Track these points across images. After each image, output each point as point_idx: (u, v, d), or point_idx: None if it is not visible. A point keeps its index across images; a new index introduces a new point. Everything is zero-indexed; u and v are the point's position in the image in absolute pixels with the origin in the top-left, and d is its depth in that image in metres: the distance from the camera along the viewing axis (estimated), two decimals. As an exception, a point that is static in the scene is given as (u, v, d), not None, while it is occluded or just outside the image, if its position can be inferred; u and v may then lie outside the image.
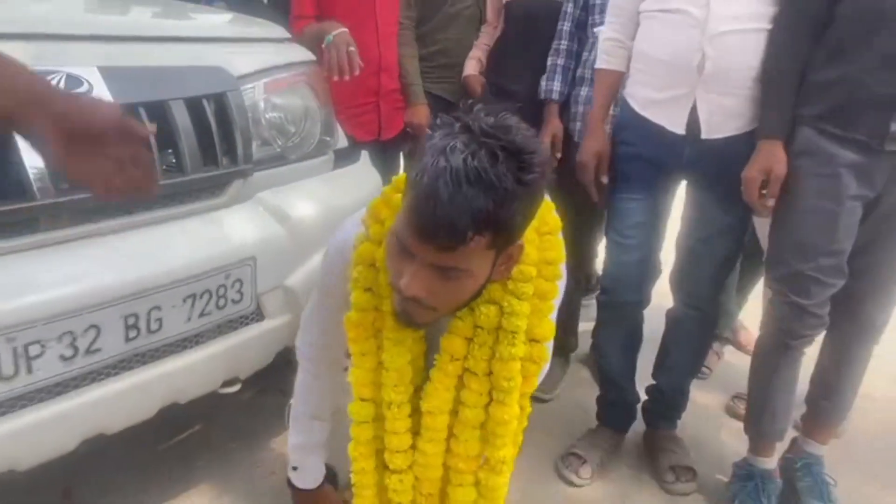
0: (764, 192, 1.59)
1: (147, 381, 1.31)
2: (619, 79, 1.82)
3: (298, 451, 1.44)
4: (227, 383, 1.51)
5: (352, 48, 1.93)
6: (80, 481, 1.64)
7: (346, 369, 1.21)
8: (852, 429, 2.17)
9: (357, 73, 1.95)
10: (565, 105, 2.21)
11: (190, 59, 1.49)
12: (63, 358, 1.16)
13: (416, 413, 1.12)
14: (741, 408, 2.08)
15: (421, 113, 2.36)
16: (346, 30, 1.97)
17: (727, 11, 1.55)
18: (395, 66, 2.33)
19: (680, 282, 1.90)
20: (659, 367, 2.02)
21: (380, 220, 1.09)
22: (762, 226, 1.84)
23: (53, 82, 1.20)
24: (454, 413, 1.09)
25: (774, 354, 1.70)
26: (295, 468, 1.46)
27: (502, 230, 0.89)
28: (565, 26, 2.16)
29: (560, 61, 2.17)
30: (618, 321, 1.92)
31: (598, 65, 1.85)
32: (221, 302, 1.40)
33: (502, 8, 2.36)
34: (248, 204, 1.54)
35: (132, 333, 1.25)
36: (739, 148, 1.62)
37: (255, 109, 1.59)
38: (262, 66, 1.64)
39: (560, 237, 1.10)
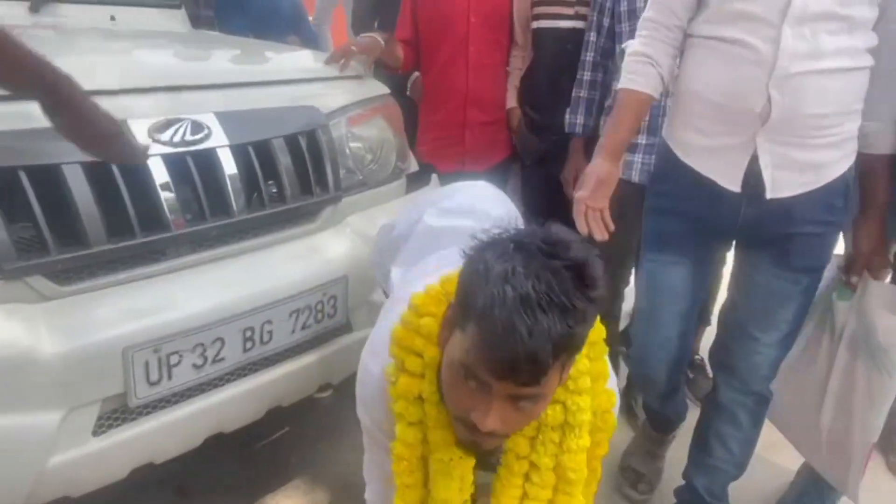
0: None
1: (259, 385, 1.49)
2: (645, 104, 1.46)
3: None
4: (321, 388, 1.69)
5: (353, 47, 1.96)
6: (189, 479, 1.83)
7: None
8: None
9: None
10: (592, 139, 2.00)
11: (287, 99, 1.68)
12: (195, 366, 1.36)
13: None
14: None
15: None
16: (374, 38, 2.05)
17: (803, 48, 1.23)
18: (485, 99, 2.32)
19: (725, 362, 1.57)
20: (697, 465, 1.67)
21: (415, 351, 1.01)
22: None
23: (181, 130, 1.40)
24: None
25: None
26: None
27: (576, 349, 0.87)
28: (588, 56, 2.07)
29: (583, 93, 2.09)
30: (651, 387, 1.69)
31: (620, 84, 1.47)
32: (319, 316, 1.58)
33: (530, 31, 2.27)
34: (339, 227, 1.72)
35: (249, 345, 1.44)
36: (811, 206, 1.35)
37: (340, 142, 1.77)
38: (346, 103, 1.82)
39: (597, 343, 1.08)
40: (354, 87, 1.90)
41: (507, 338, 0.79)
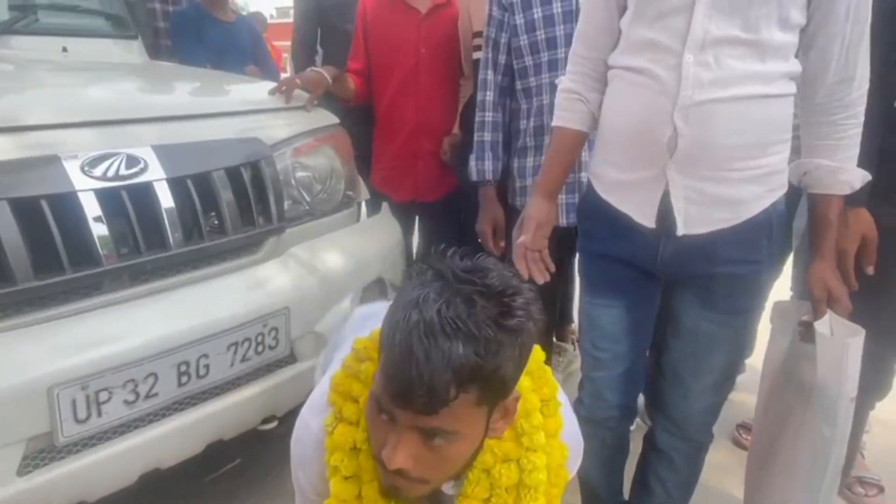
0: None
1: (196, 420, 1.47)
2: (577, 140, 1.44)
3: None
4: (265, 420, 1.68)
5: (297, 80, 1.98)
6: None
7: None
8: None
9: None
10: (502, 185, 2.03)
11: (231, 131, 1.69)
12: (127, 402, 1.34)
13: None
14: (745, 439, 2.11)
15: None
16: (321, 73, 2.05)
17: (707, 75, 1.17)
18: (436, 129, 2.36)
19: (659, 406, 1.51)
20: (637, 501, 1.62)
21: (352, 397, 0.99)
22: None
23: (115, 164, 1.40)
24: None
25: None
26: None
27: (491, 384, 0.81)
28: (487, 96, 1.97)
29: (487, 136, 1.97)
30: (599, 437, 1.52)
31: (553, 122, 1.45)
32: (260, 348, 1.57)
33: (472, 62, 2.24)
34: (282, 258, 1.72)
35: (184, 379, 1.43)
36: (731, 245, 1.28)
37: (286, 172, 1.78)
38: (292, 133, 1.84)
39: (546, 366, 1.06)
40: (301, 118, 1.91)
41: (404, 362, 0.77)
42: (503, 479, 0.96)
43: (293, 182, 1.82)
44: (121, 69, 2.16)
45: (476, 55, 2.22)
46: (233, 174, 1.61)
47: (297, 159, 1.84)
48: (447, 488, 0.98)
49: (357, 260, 1.84)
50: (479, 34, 2.19)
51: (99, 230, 1.35)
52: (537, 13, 1.86)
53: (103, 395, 1.30)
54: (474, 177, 1.99)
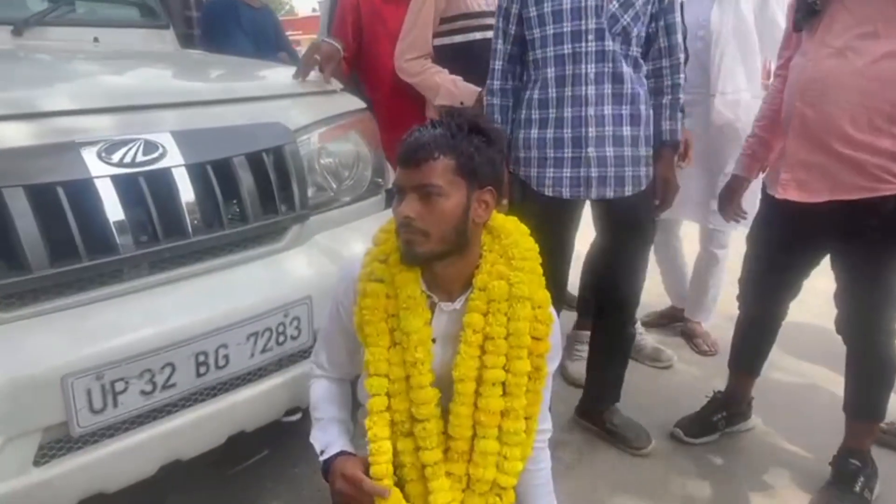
0: None
1: (216, 411, 1.44)
2: None
3: (321, 433, 1.41)
4: (289, 412, 1.64)
5: (317, 56, 1.95)
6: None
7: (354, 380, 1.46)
8: None
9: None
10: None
11: (252, 116, 1.64)
12: (143, 393, 1.31)
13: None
14: None
15: None
16: (333, 45, 2.03)
17: None
18: None
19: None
20: None
21: (385, 230, 1.34)
22: None
23: (133, 150, 1.37)
24: (479, 379, 1.28)
25: None
26: (322, 452, 1.40)
27: (461, 158, 1.18)
28: (497, 64, 2.03)
29: (496, 101, 2.03)
30: None
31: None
32: (281, 338, 1.53)
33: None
34: (305, 247, 1.67)
35: (202, 370, 1.39)
36: None
37: (310, 158, 1.74)
38: (317, 118, 1.79)
39: (528, 238, 1.34)
40: (326, 103, 1.87)
41: (407, 139, 1.20)
42: (496, 292, 1.26)
43: (318, 168, 1.77)
44: (148, 57, 2.15)
45: (439, 40, 2.32)
46: (254, 160, 1.56)
47: (323, 145, 1.79)
48: (457, 304, 1.29)
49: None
50: (452, 18, 2.29)
51: (116, 217, 1.32)
52: None
53: (119, 386, 1.27)
54: None
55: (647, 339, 2.85)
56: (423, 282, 1.29)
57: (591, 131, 1.91)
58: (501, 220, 1.33)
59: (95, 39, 2.23)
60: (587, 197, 1.98)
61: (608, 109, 1.91)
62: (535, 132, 1.98)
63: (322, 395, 1.42)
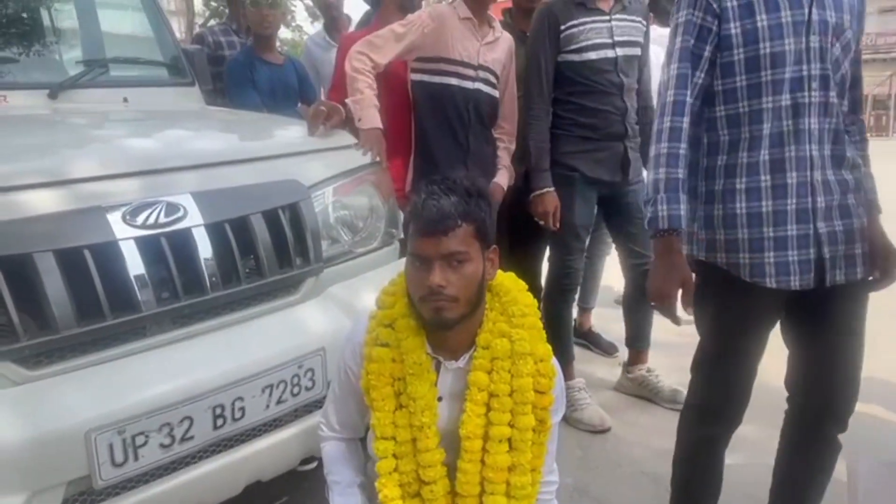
0: None
1: (233, 462, 1.49)
2: None
3: (341, 498, 1.42)
4: (304, 461, 1.68)
5: (322, 108, 2.01)
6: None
7: (362, 439, 1.49)
8: None
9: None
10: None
11: (268, 174, 1.72)
12: (163, 446, 1.37)
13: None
14: None
15: None
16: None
17: None
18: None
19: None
20: None
21: (389, 293, 1.38)
22: None
23: (155, 212, 1.45)
24: (485, 436, 1.32)
25: None
26: None
27: (477, 222, 1.24)
28: (682, 123, 1.53)
29: (680, 174, 1.52)
30: None
31: None
32: (296, 390, 1.58)
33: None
34: (320, 299, 1.73)
35: (219, 422, 1.44)
36: None
37: (324, 213, 1.80)
38: (331, 173, 1.86)
39: (527, 294, 1.39)
40: (340, 158, 1.94)
41: (426, 206, 1.22)
42: (499, 350, 1.30)
43: (332, 222, 1.84)
44: (173, 117, 2.26)
45: (418, 76, 2.42)
46: (270, 217, 1.63)
47: (337, 199, 1.86)
48: (461, 362, 1.34)
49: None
50: (431, 59, 2.38)
51: (139, 276, 1.40)
52: (761, 21, 1.49)
53: (140, 439, 1.33)
54: (662, 224, 1.52)
55: (662, 380, 2.84)
56: (428, 344, 1.33)
57: (820, 201, 1.50)
58: (500, 277, 1.37)
59: (125, 100, 2.35)
60: (820, 284, 1.52)
61: (832, 174, 1.52)
62: (742, 205, 1.53)
63: (336, 458, 1.46)
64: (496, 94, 2.49)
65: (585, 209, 2.62)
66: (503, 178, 2.54)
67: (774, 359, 1.72)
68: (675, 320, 1.56)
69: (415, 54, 2.39)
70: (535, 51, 2.52)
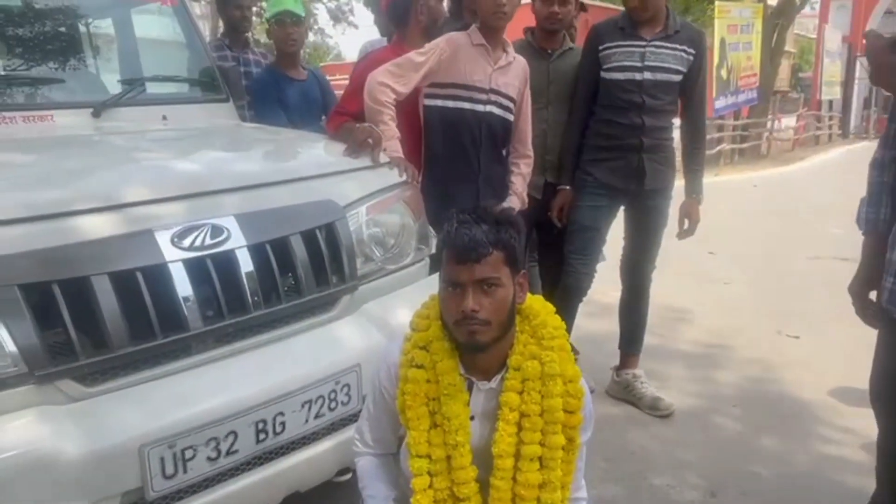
0: None
1: (274, 474, 1.56)
2: None
3: None
4: (340, 473, 1.74)
5: (370, 140, 2.07)
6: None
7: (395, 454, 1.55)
8: None
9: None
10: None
11: (306, 195, 1.78)
12: (209, 459, 1.44)
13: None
14: None
15: None
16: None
17: None
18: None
19: None
20: None
21: (423, 316, 1.44)
22: None
23: (201, 235, 1.52)
24: (517, 454, 1.37)
25: None
26: None
27: (508, 249, 1.30)
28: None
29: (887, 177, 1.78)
30: None
31: None
32: (333, 404, 1.64)
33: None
34: (355, 315, 1.79)
35: (262, 436, 1.51)
36: None
37: (358, 231, 1.86)
38: (365, 193, 1.92)
39: (555, 317, 1.44)
40: (373, 177, 2.00)
41: (459, 235, 1.27)
42: (530, 372, 1.36)
43: (366, 239, 1.89)
44: (212, 135, 2.33)
45: (431, 101, 2.46)
46: (308, 237, 1.70)
47: (371, 217, 1.92)
48: (493, 383, 1.39)
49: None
50: (446, 85, 2.42)
51: (186, 297, 1.47)
52: None
53: (188, 453, 1.40)
54: (868, 227, 1.84)
55: (647, 387, 2.89)
56: (461, 365, 1.38)
57: None
58: (529, 300, 1.42)
59: (164, 118, 2.43)
60: None
61: None
62: None
63: (370, 473, 1.52)
64: (509, 116, 2.53)
65: (592, 212, 2.79)
66: (514, 204, 2.59)
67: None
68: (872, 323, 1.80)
69: (429, 80, 2.44)
70: (581, 64, 2.79)
